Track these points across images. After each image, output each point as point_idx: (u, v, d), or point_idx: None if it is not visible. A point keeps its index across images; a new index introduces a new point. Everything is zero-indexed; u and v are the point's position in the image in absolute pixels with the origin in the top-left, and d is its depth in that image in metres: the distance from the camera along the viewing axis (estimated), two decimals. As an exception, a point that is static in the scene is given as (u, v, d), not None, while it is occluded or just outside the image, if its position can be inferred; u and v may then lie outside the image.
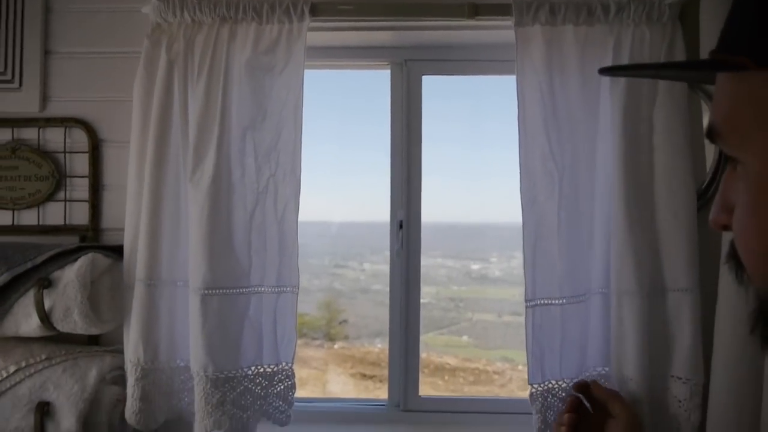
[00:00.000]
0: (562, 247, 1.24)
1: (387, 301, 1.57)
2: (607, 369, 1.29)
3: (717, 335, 1.16)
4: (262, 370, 1.30)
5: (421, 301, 1.57)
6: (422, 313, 1.55)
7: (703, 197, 1.29)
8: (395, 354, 1.57)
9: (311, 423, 1.53)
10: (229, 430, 1.26)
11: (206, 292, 1.24)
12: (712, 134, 0.49)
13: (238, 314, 1.28)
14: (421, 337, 1.58)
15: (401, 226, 1.53)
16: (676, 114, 1.24)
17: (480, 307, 3.62)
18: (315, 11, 1.30)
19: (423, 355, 1.57)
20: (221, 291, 1.26)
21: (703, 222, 1.23)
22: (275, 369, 1.31)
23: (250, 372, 1.29)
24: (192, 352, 1.26)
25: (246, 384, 1.28)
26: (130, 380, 1.29)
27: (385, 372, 1.61)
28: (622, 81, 1.25)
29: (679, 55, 1.26)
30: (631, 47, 1.26)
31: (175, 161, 1.31)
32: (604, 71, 0.62)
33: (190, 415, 1.33)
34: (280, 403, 1.31)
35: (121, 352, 1.35)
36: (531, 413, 1.27)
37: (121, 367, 1.34)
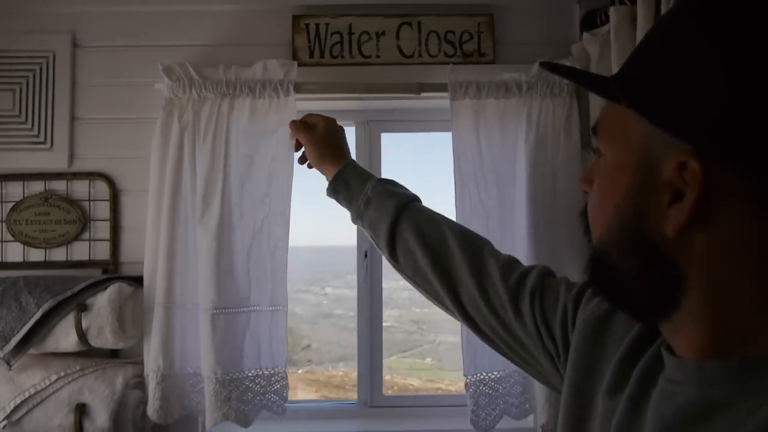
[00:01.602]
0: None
1: (350, 325, 1.90)
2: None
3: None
4: (260, 372, 1.63)
5: (385, 324, 1.89)
6: (385, 336, 1.88)
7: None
8: (363, 360, 1.91)
9: (296, 420, 1.86)
10: (234, 420, 1.58)
11: (215, 311, 1.58)
12: (595, 130, 0.64)
13: (241, 328, 1.61)
14: (385, 360, 1.89)
15: (366, 255, 1.89)
16: (572, 155, 1.64)
17: (442, 328, 3.68)
18: (298, 89, 1.66)
19: (387, 377, 1.86)
20: (226, 310, 1.59)
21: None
22: (272, 372, 1.64)
23: (250, 374, 1.62)
24: (203, 359, 1.58)
25: (247, 384, 1.61)
26: (152, 384, 1.60)
27: (350, 394, 1.93)
28: (531, 138, 1.63)
29: (575, 120, 1.66)
30: (539, 115, 1.65)
31: (185, 207, 1.64)
32: (543, 65, 0.73)
33: (198, 412, 1.65)
34: (277, 398, 1.63)
35: (140, 362, 1.66)
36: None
37: (140, 375, 1.65)
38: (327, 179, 1.31)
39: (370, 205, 1.19)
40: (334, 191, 1.28)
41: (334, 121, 1.40)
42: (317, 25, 1.75)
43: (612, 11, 1.51)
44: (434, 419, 1.86)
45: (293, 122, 1.47)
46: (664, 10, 1.35)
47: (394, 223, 1.14)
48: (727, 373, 0.54)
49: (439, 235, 1.09)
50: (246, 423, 1.60)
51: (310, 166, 1.41)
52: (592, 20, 1.69)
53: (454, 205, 1.62)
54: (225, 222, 1.61)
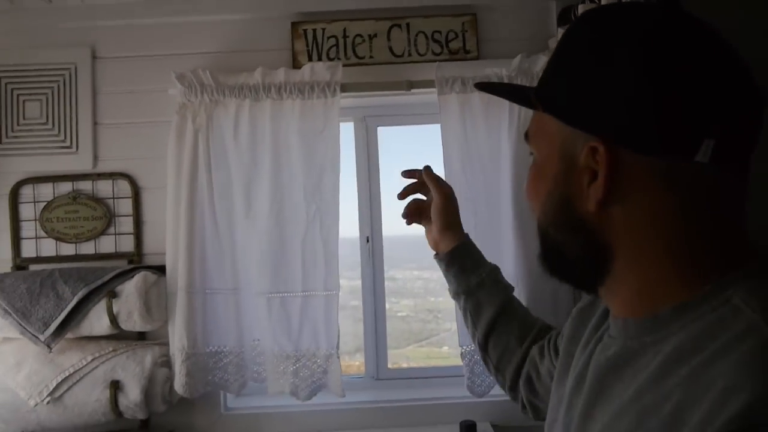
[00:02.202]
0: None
1: (363, 317, 2.07)
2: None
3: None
4: (315, 352, 1.82)
5: (400, 314, 2.03)
6: (401, 326, 2.04)
7: None
8: (369, 335, 2.08)
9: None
10: (290, 393, 1.80)
11: (270, 295, 1.80)
12: (527, 136, 0.75)
13: (297, 311, 1.81)
14: (402, 350, 2.04)
15: (368, 240, 2.05)
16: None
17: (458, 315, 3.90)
18: (344, 88, 1.81)
19: (404, 365, 1.97)
20: (281, 294, 1.80)
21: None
22: (325, 353, 1.82)
23: (306, 352, 1.82)
24: (262, 337, 1.82)
25: (304, 361, 1.81)
26: (177, 362, 1.78)
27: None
28: (514, 129, 1.79)
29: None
30: (519, 107, 1.80)
31: (201, 203, 1.81)
32: (478, 86, 0.83)
33: (220, 386, 1.83)
34: (330, 377, 1.82)
35: (165, 343, 1.84)
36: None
37: (166, 354, 1.83)
38: (437, 245, 1.32)
39: (483, 289, 1.25)
40: (448, 262, 1.28)
41: (452, 189, 1.35)
42: (314, 30, 1.90)
43: (581, 9, 1.65)
44: (435, 388, 2.03)
45: (426, 171, 1.34)
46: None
47: (498, 314, 1.22)
48: (642, 326, 0.65)
49: (527, 333, 1.20)
50: (301, 397, 1.80)
51: (409, 223, 1.37)
52: (567, 16, 1.83)
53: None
54: (277, 215, 1.80)
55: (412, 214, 1.36)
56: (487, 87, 0.83)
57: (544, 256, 0.74)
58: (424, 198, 1.38)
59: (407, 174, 1.37)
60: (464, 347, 1.78)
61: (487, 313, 1.22)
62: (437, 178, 1.33)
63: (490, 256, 1.32)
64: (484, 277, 1.25)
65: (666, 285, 0.64)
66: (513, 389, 1.20)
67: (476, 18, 1.92)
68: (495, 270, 1.29)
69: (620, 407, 0.63)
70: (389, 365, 2.10)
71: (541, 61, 1.80)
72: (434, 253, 1.33)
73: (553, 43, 1.86)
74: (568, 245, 0.69)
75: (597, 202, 0.64)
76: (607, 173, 0.63)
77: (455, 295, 1.29)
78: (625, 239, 0.65)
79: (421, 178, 1.34)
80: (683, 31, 0.62)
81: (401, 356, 1.99)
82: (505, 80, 1.80)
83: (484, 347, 1.24)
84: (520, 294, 1.64)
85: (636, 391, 0.62)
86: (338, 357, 1.81)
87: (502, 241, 1.80)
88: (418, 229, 1.40)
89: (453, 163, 1.79)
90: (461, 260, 1.27)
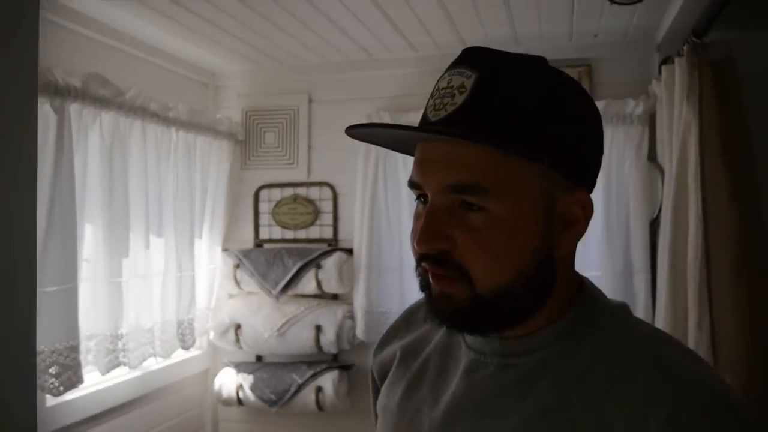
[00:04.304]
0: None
1: None
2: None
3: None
4: None
5: None
6: None
7: (656, 218, 2.28)
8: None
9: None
10: None
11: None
12: (472, 190, 0.62)
13: None
14: None
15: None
16: (639, 171, 2.28)
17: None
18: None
19: None
20: None
21: (653, 231, 2.25)
22: None
23: None
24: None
25: None
26: (359, 316, 2.55)
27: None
28: (605, 157, 2.29)
29: (645, 141, 2.29)
30: (612, 137, 2.31)
31: (379, 205, 2.56)
32: (348, 129, 0.68)
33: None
34: None
35: (350, 303, 2.63)
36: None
37: (351, 311, 2.61)
38: None
39: None
40: None
41: None
42: (464, 80, 2.56)
43: (663, 69, 2.12)
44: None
45: None
46: (699, 65, 1.94)
47: None
48: (527, 342, 0.68)
49: None
50: None
51: None
52: (668, 62, 2.29)
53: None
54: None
55: None
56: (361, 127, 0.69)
57: (480, 319, 0.66)
58: None
59: None
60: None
61: None
62: None
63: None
64: None
65: (567, 299, 0.69)
66: None
67: (591, 68, 2.45)
68: None
69: (525, 420, 0.64)
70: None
71: (635, 106, 2.30)
72: None
73: (655, 86, 2.32)
74: (524, 298, 0.65)
75: (574, 246, 0.68)
76: (588, 217, 0.66)
77: None
78: (562, 273, 0.68)
79: None
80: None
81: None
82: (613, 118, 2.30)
83: None
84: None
85: (538, 410, 0.63)
86: None
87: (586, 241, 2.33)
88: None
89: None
90: None
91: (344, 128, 0.69)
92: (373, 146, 2.56)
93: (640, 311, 2.26)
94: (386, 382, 0.81)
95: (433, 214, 0.64)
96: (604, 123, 0.72)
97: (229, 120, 2.72)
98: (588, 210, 0.66)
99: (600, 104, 2.36)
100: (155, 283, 2.27)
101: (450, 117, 0.62)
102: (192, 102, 2.60)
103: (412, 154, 0.71)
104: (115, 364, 2.02)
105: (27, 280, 0.95)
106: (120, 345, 2.03)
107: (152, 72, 2.45)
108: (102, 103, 1.94)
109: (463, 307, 0.64)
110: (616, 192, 2.31)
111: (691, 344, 1.90)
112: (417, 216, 0.68)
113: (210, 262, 2.67)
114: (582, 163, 0.67)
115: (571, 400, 0.62)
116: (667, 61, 2.29)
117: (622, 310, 0.70)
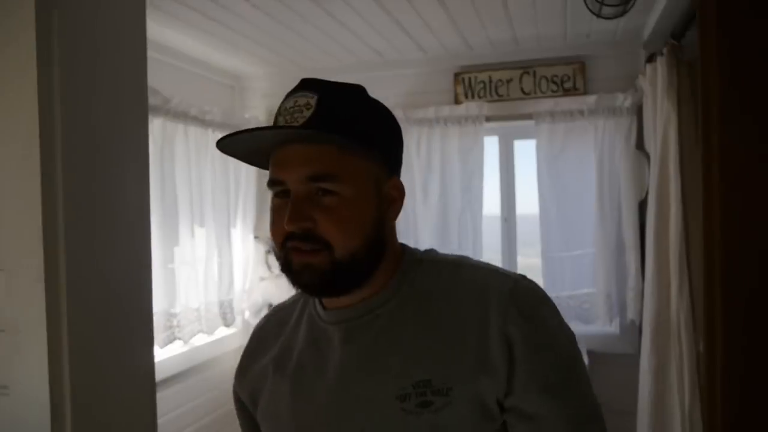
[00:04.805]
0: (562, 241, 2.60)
1: None
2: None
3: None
4: None
5: None
6: None
7: (644, 200, 2.56)
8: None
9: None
10: None
11: None
12: (322, 178, 0.79)
13: None
14: None
15: (505, 220, 2.95)
16: (628, 158, 2.55)
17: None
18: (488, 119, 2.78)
19: None
20: None
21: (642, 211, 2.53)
22: None
23: None
24: None
25: None
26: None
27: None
28: (599, 142, 2.57)
29: (634, 130, 2.56)
30: (604, 127, 2.58)
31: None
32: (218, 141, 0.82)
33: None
34: None
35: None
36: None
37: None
38: None
39: None
40: None
41: None
42: (469, 78, 2.83)
43: (648, 67, 2.38)
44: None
45: None
46: (677, 65, 2.20)
47: None
48: (380, 298, 0.86)
49: None
50: None
51: None
52: (652, 59, 2.54)
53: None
54: (442, 205, 2.81)
55: None
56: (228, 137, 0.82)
57: (339, 282, 0.82)
58: None
59: None
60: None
61: None
62: None
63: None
64: None
65: (388, 267, 0.87)
66: None
67: (584, 65, 2.71)
68: None
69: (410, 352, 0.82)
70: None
71: (624, 99, 2.56)
72: None
73: (638, 82, 2.58)
74: (368, 259, 0.83)
75: (397, 217, 0.89)
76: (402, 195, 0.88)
77: None
78: (391, 239, 0.88)
79: None
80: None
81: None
82: (586, 112, 2.57)
83: None
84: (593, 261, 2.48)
85: (415, 337, 0.82)
86: None
87: (584, 229, 2.62)
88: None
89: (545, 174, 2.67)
90: None
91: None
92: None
93: (631, 281, 2.54)
94: (265, 396, 0.93)
95: (297, 201, 0.79)
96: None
97: (257, 119, 2.99)
98: (402, 192, 0.88)
99: (592, 98, 2.63)
100: (199, 268, 2.56)
101: (304, 125, 0.78)
102: (221, 104, 2.87)
103: (260, 166, 0.87)
104: (171, 339, 2.32)
105: (145, 258, 1.25)
106: (174, 322, 2.33)
107: (185, 77, 2.72)
108: (153, 110, 2.21)
109: (325, 271, 0.79)
110: (609, 177, 2.59)
111: (673, 309, 2.19)
112: (277, 208, 0.83)
113: (244, 248, 2.95)
114: (396, 157, 0.89)
115: (433, 314, 0.83)
116: (651, 59, 2.55)
117: (430, 252, 0.93)
